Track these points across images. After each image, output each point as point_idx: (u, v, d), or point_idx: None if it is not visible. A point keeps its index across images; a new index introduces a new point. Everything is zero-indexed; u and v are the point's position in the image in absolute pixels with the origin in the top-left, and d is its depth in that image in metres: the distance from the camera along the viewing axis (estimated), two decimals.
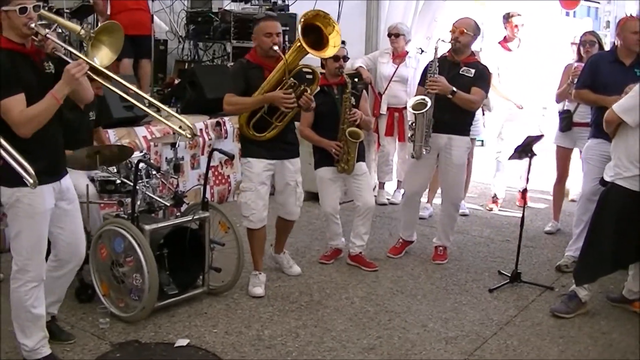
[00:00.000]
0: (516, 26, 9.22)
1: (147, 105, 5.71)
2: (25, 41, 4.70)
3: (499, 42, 9.44)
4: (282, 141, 6.48)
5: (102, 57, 5.07)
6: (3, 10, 4.59)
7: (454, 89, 6.91)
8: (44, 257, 4.93)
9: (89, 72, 4.73)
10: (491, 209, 9.68)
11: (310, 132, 7.10)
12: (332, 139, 7.03)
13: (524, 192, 7.34)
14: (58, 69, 4.78)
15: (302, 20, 6.14)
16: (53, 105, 4.61)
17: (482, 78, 7.17)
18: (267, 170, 6.47)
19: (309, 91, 6.32)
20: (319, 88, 6.69)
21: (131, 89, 5.24)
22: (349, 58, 7.19)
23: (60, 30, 6.15)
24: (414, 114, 6.99)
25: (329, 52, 6.26)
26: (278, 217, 6.92)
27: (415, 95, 7.29)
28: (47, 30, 4.74)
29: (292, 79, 6.22)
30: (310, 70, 6.47)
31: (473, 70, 7.10)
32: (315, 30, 6.19)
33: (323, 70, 7.16)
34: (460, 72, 7.07)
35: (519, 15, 9.26)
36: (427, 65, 7.25)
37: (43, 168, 4.64)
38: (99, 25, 5.18)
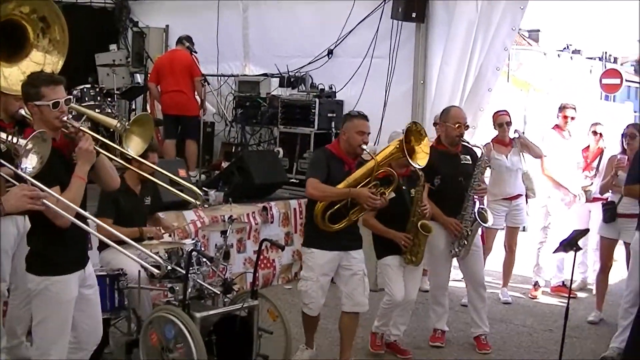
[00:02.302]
0: (572, 118, 9.45)
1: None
2: (55, 134, 4.84)
3: (553, 128, 9.64)
4: (347, 232, 6.58)
5: (135, 146, 5.36)
6: (35, 104, 4.75)
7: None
8: (67, 343, 5.04)
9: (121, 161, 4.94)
10: (535, 297, 9.70)
11: (376, 222, 7.04)
12: (397, 229, 7.00)
13: (569, 284, 7.37)
14: None
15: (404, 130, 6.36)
16: (80, 185, 4.78)
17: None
18: (331, 262, 6.57)
19: (386, 193, 6.48)
20: (393, 194, 6.70)
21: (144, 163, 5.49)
22: None
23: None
24: (483, 225, 7.28)
25: (421, 162, 6.47)
26: (342, 315, 6.78)
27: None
28: (79, 123, 4.88)
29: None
30: (391, 174, 6.58)
31: (469, 157, 7.32)
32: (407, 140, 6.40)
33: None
34: (462, 162, 7.28)
35: (572, 108, 9.45)
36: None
37: (73, 257, 4.93)
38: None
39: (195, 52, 11.38)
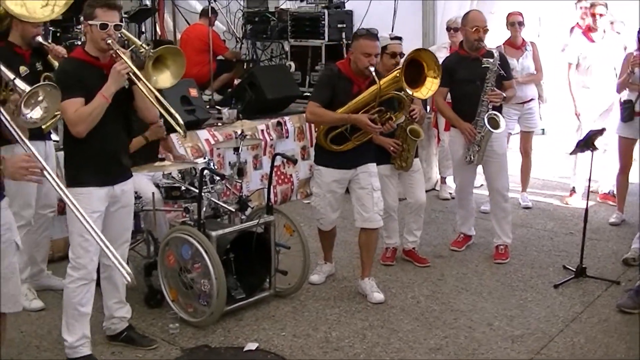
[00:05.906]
0: (601, 15, 9.04)
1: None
2: (101, 55, 5.02)
3: (583, 32, 9.31)
4: (354, 150, 6.43)
5: (163, 79, 5.20)
6: (88, 23, 4.94)
7: (504, 94, 7.08)
8: (95, 257, 5.12)
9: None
10: (567, 203, 9.53)
11: None
12: (387, 135, 6.92)
13: (589, 186, 7.28)
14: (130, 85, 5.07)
15: (409, 55, 6.01)
16: (102, 103, 4.88)
17: (506, 67, 7.28)
18: (338, 179, 6.49)
19: (394, 119, 6.33)
20: (403, 117, 6.64)
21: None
22: (404, 54, 7.18)
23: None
24: (493, 132, 7.02)
25: (423, 93, 6.11)
26: (360, 231, 6.68)
27: (437, 95, 7.12)
28: (116, 47, 4.94)
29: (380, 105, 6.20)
30: (400, 98, 6.29)
31: (491, 60, 7.06)
32: (417, 65, 6.04)
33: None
34: (483, 66, 7.04)
35: (600, 4, 9.09)
36: (444, 65, 7.24)
37: (96, 172, 5.03)
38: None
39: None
